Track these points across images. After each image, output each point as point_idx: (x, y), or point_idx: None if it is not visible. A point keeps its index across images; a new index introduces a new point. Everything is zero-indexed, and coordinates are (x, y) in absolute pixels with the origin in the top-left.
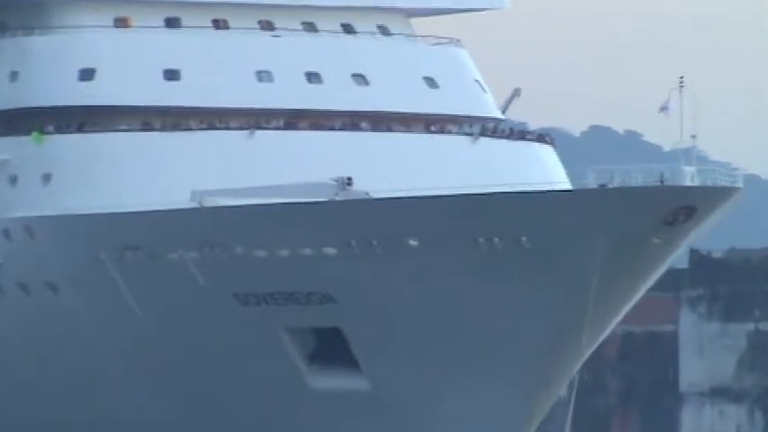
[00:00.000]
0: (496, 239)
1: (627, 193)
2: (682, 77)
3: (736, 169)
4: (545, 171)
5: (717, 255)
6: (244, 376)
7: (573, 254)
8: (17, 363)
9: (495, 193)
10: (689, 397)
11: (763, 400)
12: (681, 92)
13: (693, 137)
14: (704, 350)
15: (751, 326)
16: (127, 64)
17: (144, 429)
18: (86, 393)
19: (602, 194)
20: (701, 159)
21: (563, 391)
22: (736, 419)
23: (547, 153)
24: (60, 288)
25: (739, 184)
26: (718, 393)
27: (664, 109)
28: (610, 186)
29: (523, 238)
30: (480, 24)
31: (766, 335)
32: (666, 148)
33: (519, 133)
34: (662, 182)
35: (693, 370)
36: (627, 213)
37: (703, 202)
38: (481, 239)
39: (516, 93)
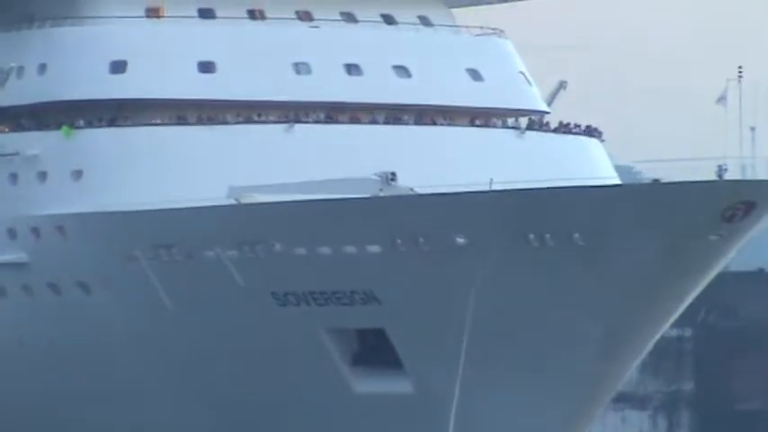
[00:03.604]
0: (548, 236)
1: (682, 188)
2: (740, 67)
3: None
4: (594, 166)
5: None
6: (283, 379)
7: (627, 251)
8: (46, 365)
9: (547, 187)
10: None
11: (666, 406)
12: (740, 82)
13: (752, 129)
14: None
15: None
16: (160, 56)
17: None
18: (118, 397)
19: (656, 190)
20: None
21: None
22: (639, 425)
23: (595, 147)
24: (92, 288)
25: None
26: (621, 399)
27: (722, 99)
28: (664, 181)
29: (576, 235)
30: (523, 15)
31: (669, 341)
32: None
33: (566, 127)
34: (720, 176)
35: None
36: (683, 209)
37: (764, 197)
38: (532, 236)
39: (562, 85)
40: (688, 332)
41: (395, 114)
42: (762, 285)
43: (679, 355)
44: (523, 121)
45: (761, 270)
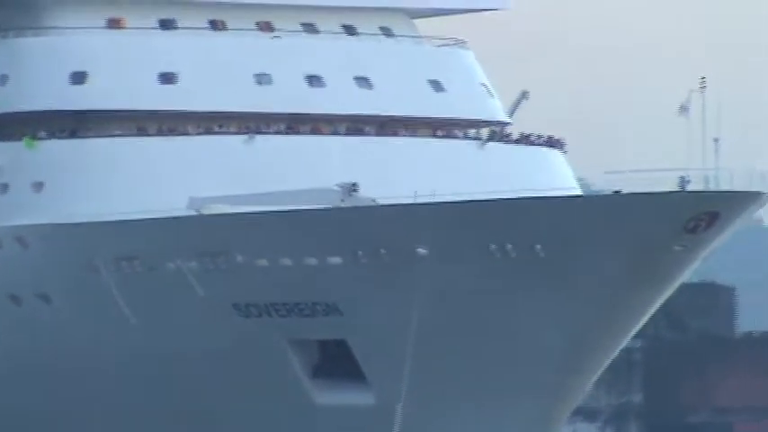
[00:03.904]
0: (510, 247)
1: (645, 199)
2: (703, 78)
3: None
4: (555, 177)
5: None
6: (245, 391)
7: (589, 263)
8: (7, 377)
9: (508, 198)
10: None
11: (615, 418)
12: (702, 93)
13: (716, 140)
14: None
15: None
16: (120, 66)
17: None
18: (79, 408)
19: (618, 201)
20: None
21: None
22: None
23: (556, 158)
24: (53, 299)
25: (763, 188)
26: (573, 412)
27: (684, 110)
28: (625, 192)
29: (538, 246)
30: (486, 25)
31: (619, 353)
32: None
33: (527, 138)
34: (682, 187)
35: None
36: (645, 221)
37: (727, 208)
38: (493, 246)
39: (524, 95)
40: (638, 344)
41: (356, 125)
42: (711, 298)
43: (629, 367)
44: (485, 132)
45: (711, 283)
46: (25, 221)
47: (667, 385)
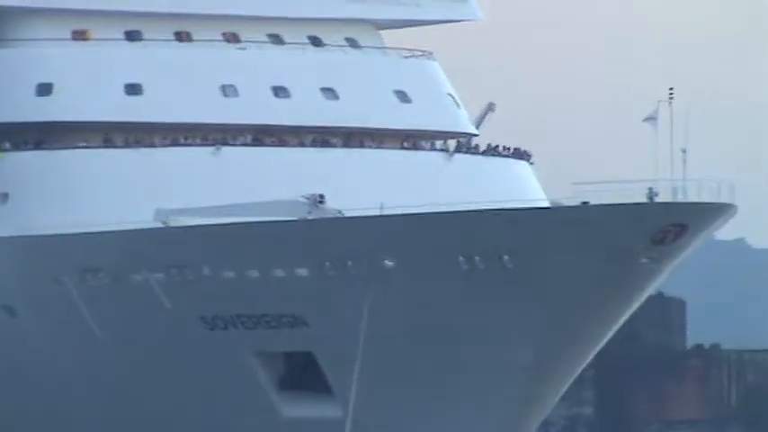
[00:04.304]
0: (477, 258)
1: (613, 210)
2: (671, 89)
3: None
4: (522, 188)
5: None
6: (211, 403)
7: (556, 274)
8: None
9: (475, 210)
10: None
11: (566, 430)
12: (671, 104)
13: (683, 151)
14: None
15: None
16: (86, 78)
17: None
18: (45, 421)
19: (586, 212)
20: None
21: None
22: None
23: (523, 169)
24: (18, 311)
25: (731, 200)
26: None
27: (651, 120)
28: (593, 203)
29: (505, 257)
30: (454, 37)
31: None
32: None
33: (494, 149)
34: (651, 198)
35: None
36: (613, 232)
37: (695, 220)
38: (461, 258)
39: (490, 107)
40: None
41: (322, 137)
42: (662, 311)
43: (580, 378)
44: (452, 144)
45: (659, 294)
46: None
47: (618, 397)
